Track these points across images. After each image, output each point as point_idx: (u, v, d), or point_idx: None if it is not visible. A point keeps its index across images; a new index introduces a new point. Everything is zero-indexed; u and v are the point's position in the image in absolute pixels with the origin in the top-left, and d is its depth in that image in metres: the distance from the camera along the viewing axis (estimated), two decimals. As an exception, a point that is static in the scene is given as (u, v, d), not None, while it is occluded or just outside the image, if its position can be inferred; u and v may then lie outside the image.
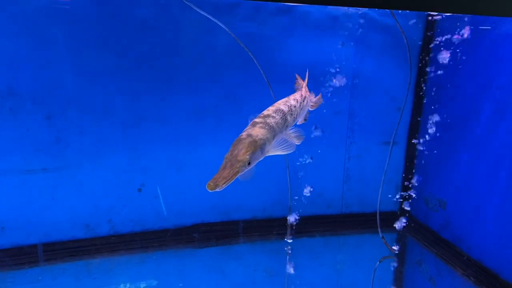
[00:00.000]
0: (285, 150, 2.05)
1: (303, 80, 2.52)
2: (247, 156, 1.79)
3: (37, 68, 3.21)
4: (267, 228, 4.04)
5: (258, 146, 1.85)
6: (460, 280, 3.45)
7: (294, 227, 3.92)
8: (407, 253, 4.19)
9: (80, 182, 3.51)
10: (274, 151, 2.02)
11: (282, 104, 2.15)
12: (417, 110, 4.06)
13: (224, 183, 1.70)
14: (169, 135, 3.64)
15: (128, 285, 3.16)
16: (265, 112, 2.07)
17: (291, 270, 3.72)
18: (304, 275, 3.66)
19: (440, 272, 3.76)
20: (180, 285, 3.30)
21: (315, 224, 4.14)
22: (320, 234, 4.14)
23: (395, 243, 4.07)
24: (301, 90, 2.40)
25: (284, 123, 2.08)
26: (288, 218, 3.92)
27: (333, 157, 4.09)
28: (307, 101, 2.38)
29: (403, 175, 4.22)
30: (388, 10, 3.59)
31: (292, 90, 2.51)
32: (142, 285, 3.19)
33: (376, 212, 4.06)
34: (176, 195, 3.76)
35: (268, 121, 1.99)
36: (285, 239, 3.92)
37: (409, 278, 4.14)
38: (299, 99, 2.29)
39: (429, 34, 3.86)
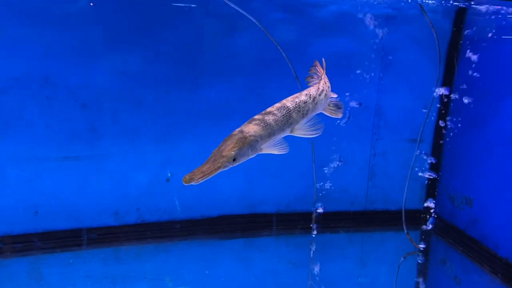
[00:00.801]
0: (280, 150, 2.01)
1: (322, 68, 2.40)
2: (233, 153, 1.77)
3: (72, 58, 3.32)
4: (291, 222, 4.08)
5: (247, 143, 1.82)
6: (487, 278, 3.42)
7: (318, 222, 3.95)
8: (431, 251, 4.16)
9: (111, 170, 3.60)
10: (268, 150, 1.99)
11: (289, 100, 2.10)
12: (444, 107, 4.05)
13: (201, 177, 1.67)
14: (197, 127, 3.71)
15: (155, 271, 3.23)
16: (268, 109, 2.04)
17: (314, 264, 3.73)
18: (327, 270, 3.67)
19: (465, 270, 3.73)
20: (207, 272, 3.35)
21: (339, 220, 4.16)
22: (344, 230, 4.15)
23: (419, 242, 4.05)
24: (319, 83, 2.29)
25: (286, 120, 2.03)
26: (312, 213, 3.94)
27: (359, 153, 4.10)
28: (325, 94, 2.27)
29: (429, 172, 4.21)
30: (417, 5, 3.60)
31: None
32: (169, 271, 3.25)
33: (400, 210, 4.05)
34: (203, 186, 3.81)
35: (266, 118, 1.96)
36: (309, 234, 3.95)
37: (433, 277, 4.11)
38: (314, 93, 2.20)
39: (458, 30, 3.85)
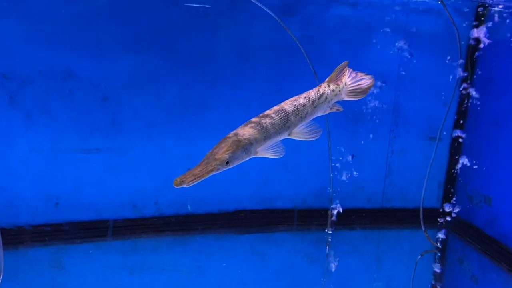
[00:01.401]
0: (275, 154, 2.03)
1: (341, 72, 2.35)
2: (226, 156, 1.77)
3: (95, 52, 3.38)
4: (307, 218, 4.08)
5: (240, 146, 1.82)
6: (505, 277, 3.39)
7: (334, 219, 3.95)
8: (448, 250, 4.13)
9: (130, 163, 3.65)
10: (263, 153, 2.00)
11: (288, 104, 2.10)
12: (463, 105, 4.02)
13: (192, 180, 1.68)
14: (214, 123, 3.74)
15: (173, 263, 3.27)
16: (266, 112, 2.04)
17: (330, 260, 3.74)
18: (343, 267, 3.67)
19: (483, 269, 3.69)
20: (224, 264, 3.38)
21: (355, 217, 4.15)
22: (361, 227, 4.14)
23: (435, 240, 4.03)
24: (319, 86, 2.27)
25: (284, 124, 2.03)
26: (328, 209, 3.95)
27: (376, 150, 4.09)
28: (325, 98, 2.24)
29: (447, 171, 4.18)
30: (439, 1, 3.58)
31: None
32: (186, 262, 3.29)
33: (417, 208, 4.04)
34: (219, 181, 3.86)
35: (263, 121, 1.95)
36: (325, 230, 3.95)
37: (450, 276, 4.09)
38: (313, 96, 2.18)
39: (478, 26, 3.82)
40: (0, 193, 3.29)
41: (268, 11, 3.33)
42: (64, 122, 3.42)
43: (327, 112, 2.36)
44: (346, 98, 2.39)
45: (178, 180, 1.67)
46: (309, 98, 2.16)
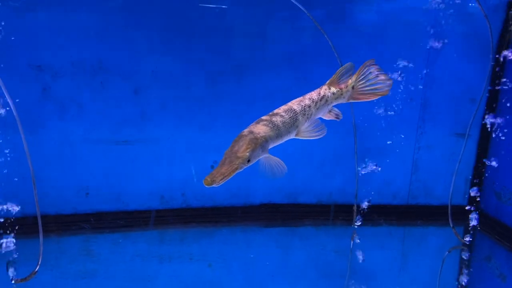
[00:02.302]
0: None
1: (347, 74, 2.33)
2: (247, 153, 1.79)
3: (125, 45, 3.44)
4: (332, 213, 4.08)
5: (259, 143, 1.85)
6: (535, 275, 3.33)
7: (359, 215, 3.93)
8: (475, 248, 4.07)
9: (158, 155, 3.71)
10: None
11: (295, 104, 2.13)
12: (492, 101, 3.96)
13: (221, 179, 1.71)
14: (242, 115, 3.76)
15: (200, 253, 3.31)
16: (275, 111, 2.07)
17: (354, 256, 3.73)
18: (368, 262, 3.65)
19: (512, 267, 3.64)
20: (252, 256, 3.40)
21: (380, 213, 4.13)
22: (386, 223, 4.12)
23: (463, 237, 3.98)
24: (320, 88, 2.27)
25: (293, 123, 2.05)
26: (353, 205, 3.93)
27: (403, 146, 4.06)
28: (325, 100, 2.25)
29: (474, 167, 4.12)
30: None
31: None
32: (213, 253, 3.33)
33: (444, 205, 4.00)
34: (245, 174, 3.87)
35: (274, 119, 1.98)
36: (350, 226, 3.94)
37: (477, 274, 4.03)
38: (316, 98, 2.20)
39: (509, 21, 3.77)
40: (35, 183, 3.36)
41: (298, 5, 3.33)
42: (95, 113, 3.49)
43: (326, 117, 2.37)
44: (355, 100, 2.38)
45: (208, 179, 1.70)
46: (312, 99, 2.19)
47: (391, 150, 4.01)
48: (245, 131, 1.93)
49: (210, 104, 3.70)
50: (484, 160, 4.06)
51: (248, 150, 1.81)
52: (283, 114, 2.04)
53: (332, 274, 3.52)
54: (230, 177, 1.74)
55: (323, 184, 4.06)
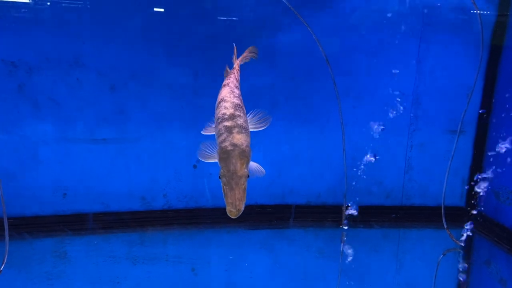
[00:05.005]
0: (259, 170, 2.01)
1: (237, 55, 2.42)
2: (246, 170, 1.79)
3: (102, 40, 3.35)
4: (321, 214, 3.91)
5: (248, 155, 1.84)
6: (536, 277, 3.11)
7: (350, 216, 3.76)
8: (474, 252, 3.86)
9: (138, 155, 3.59)
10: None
11: (232, 97, 2.08)
12: (487, 96, 3.79)
13: (243, 204, 1.72)
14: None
15: (179, 255, 3.17)
16: (226, 111, 1.99)
17: (345, 259, 3.55)
18: (360, 266, 3.47)
19: (512, 271, 3.43)
20: (231, 257, 3.24)
21: (372, 215, 3.95)
22: (379, 225, 3.94)
23: (460, 240, 3.78)
24: (235, 73, 2.30)
25: (247, 118, 2.04)
26: (343, 206, 3.76)
27: (394, 144, 3.89)
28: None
29: (471, 166, 3.93)
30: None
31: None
32: (192, 254, 3.18)
33: (439, 206, 3.80)
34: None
35: (239, 122, 1.94)
36: (340, 228, 3.77)
37: (476, 279, 3.81)
38: (237, 84, 2.23)
39: (503, 15, 3.61)
40: (8, 182, 3.27)
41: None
42: (72, 111, 3.39)
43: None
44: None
45: (233, 210, 1.71)
46: (238, 86, 2.20)
47: (383, 148, 3.84)
48: (227, 145, 1.85)
49: (192, 102, 3.59)
50: (481, 158, 3.87)
51: (244, 166, 1.79)
52: (238, 113, 1.99)
53: (321, 278, 3.34)
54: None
55: (311, 184, 3.90)
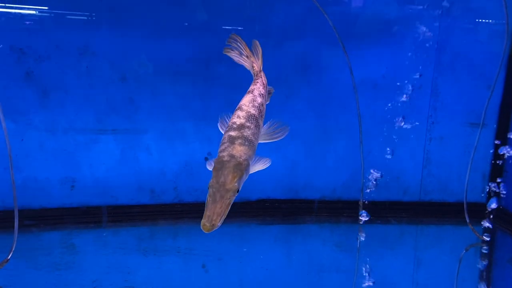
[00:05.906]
0: (263, 165, 1.86)
1: (252, 52, 2.19)
2: (236, 184, 1.64)
3: (112, 28, 3.26)
4: (336, 210, 3.78)
5: (243, 169, 1.69)
6: None
7: (366, 211, 3.63)
8: (496, 249, 3.71)
9: (148, 146, 3.49)
10: (253, 169, 1.83)
11: (251, 106, 1.93)
12: (509, 88, 3.65)
13: (220, 219, 1.58)
14: (236, 105, 3.54)
15: (188, 246, 3.06)
16: (237, 121, 1.86)
17: (361, 255, 3.41)
18: (377, 262, 3.34)
19: (538, 268, 3.27)
20: (245, 249, 3.13)
21: (389, 210, 3.82)
22: (397, 220, 3.80)
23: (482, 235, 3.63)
24: (261, 77, 2.11)
25: (258, 131, 1.89)
26: (359, 201, 3.63)
27: (412, 138, 3.76)
28: (266, 85, 2.11)
29: (492, 161, 3.79)
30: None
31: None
32: (204, 246, 3.07)
33: (459, 202, 3.65)
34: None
35: (245, 134, 1.80)
36: (356, 223, 3.63)
37: (498, 278, 3.65)
38: (264, 91, 2.05)
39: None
40: (16, 174, 3.17)
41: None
42: (80, 100, 3.30)
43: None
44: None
45: (207, 224, 1.55)
46: (262, 94, 2.02)
47: (400, 142, 3.71)
48: (224, 155, 1.73)
49: (203, 93, 3.48)
50: (503, 152, 3.73)
51: (235, 180, 1.65)
52: (248, 124, 1.85)
53: (336, 274, 3.21)
54: (226, 213, 1.61)
55: (326, 178, 3.78)
